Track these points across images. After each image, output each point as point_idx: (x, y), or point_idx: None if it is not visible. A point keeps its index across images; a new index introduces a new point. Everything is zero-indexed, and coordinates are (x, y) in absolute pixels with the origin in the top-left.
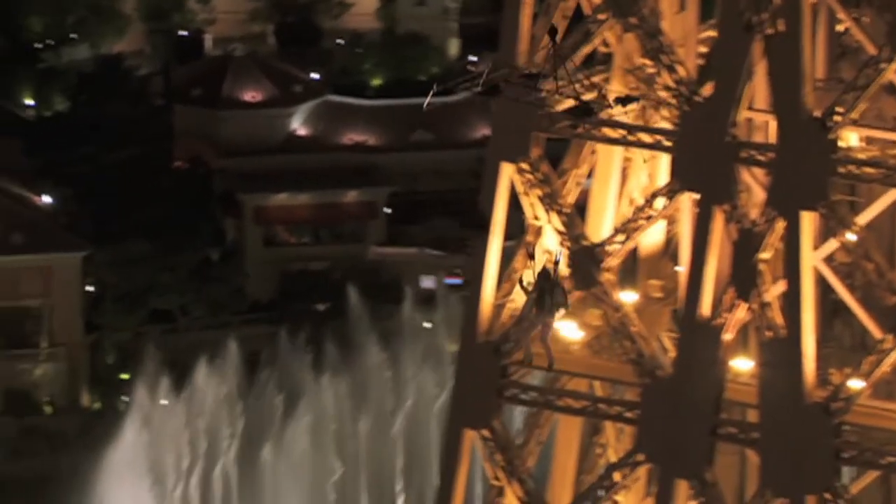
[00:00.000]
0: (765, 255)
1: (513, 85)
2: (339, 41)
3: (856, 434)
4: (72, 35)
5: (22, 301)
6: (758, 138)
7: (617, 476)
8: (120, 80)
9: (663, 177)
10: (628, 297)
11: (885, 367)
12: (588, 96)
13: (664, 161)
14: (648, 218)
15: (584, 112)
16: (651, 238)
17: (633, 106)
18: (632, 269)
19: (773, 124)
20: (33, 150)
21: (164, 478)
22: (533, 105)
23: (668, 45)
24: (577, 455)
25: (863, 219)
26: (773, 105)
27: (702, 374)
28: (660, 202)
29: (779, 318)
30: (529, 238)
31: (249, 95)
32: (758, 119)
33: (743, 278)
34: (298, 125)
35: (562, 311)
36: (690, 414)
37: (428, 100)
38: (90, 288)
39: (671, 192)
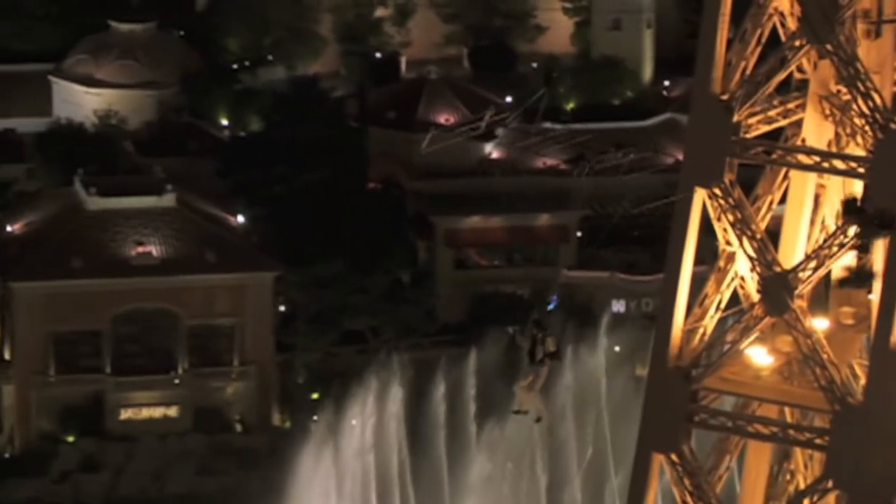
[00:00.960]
0: None
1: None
2: (533, 65)
3: None
4: (268, 56)
5: (215, 319)
6: None
7: (806, 503)
8: (315, 101)
9: None
10: (820, 324)
11: None
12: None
13: (857, 187)
14: (841, 245)
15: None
16: (843, 265)
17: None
18: (824, 296)
19: None
20: (227, 170)
21: (352, 499)
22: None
23: (864, 73)
24: (766, 481)
25: None
26: None
27: (893, 402)
28: (852, 229)
29: None
30: (721, 264)
31: (443, 118)
32: None
33: None
34: (492, 148)
35: (553, 363)
36: (881, 442)
37: (426, 142)
38: (282, 307)
39: None
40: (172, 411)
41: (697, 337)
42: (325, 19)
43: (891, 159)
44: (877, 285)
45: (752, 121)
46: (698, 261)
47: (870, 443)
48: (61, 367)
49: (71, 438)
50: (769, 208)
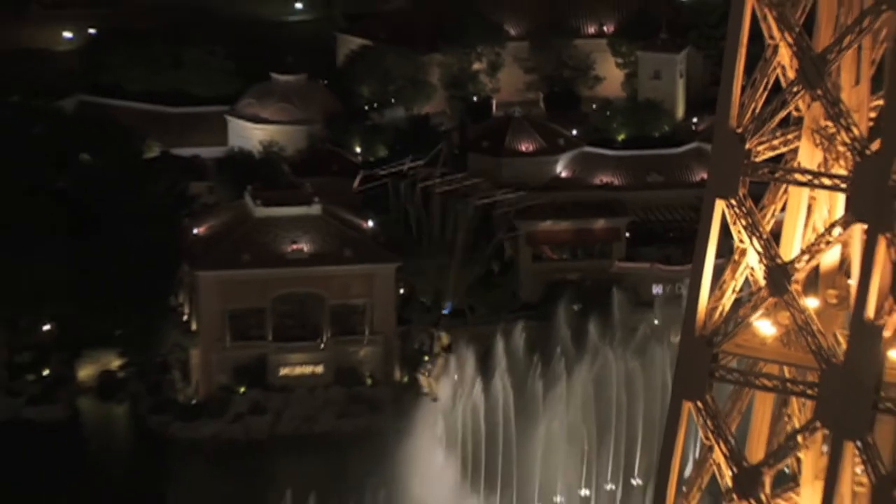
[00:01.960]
0: None
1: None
2: (593, 106)
3: None
4: (391, 100)
5: (351, 300)
6: None
7: (800, 438)
8: (427, 134)
9: (839, 211)
10: (811, 303)
11: None
12: (783, 150)
13: (840, 199)
14: (828, 243)
15: None
16: (829, 258)
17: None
18: (814, 281)
19: None
20: (362, 187)
21: (455, 435)
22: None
23: (846, 111)
24: (769, 422)
25: None
26: None
27: (867, 362)
28: (837, 230)
29: None
30: (736, 257)
31: (524, 146)
32: None
33: None
34: (561, 169)
35: (448, 356)
36: (857, 392)
37: (357, 182)
38: (401, 290)
39: (846, 223)
40: (319, 369)
41: (718, 312)
42: (435, 71)
43: (867, 178)
44: (855, 273)
45: (760, 148)
46: (718, 255)
47: (849, 393)
48: (235, 335)
49: (242, 389)
50: (773, 215)
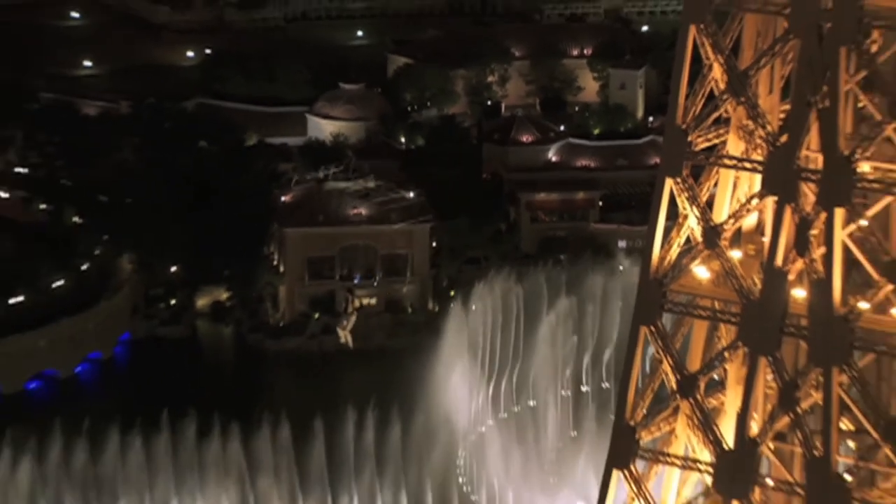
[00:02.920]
0: (814, 231)
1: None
2: (576, 108)
3: (862, 332)
4: (427, 103)
5: (397, 250)
6: (812, 166)
7: (726, 354)
8: (453, 129)
9: (757, 187)
10: (735, 254)
11: (881, 296)
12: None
13: (757, 179)
14: (748, 210)
15: None
16: (749, 221)
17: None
18: (738, 238)
19: (820, 158)
20: (405, 167)
21: (476, 349)
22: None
23: (763, 113)
24: (704, 342)
25: (870, 212)
26: (822, 147)
27: (776, 298)
28: (755, 201)
29: (820, 268)
30: (680, 220)
31: (525, 138)
32: (812, 155)
33: (801, 245)
34: (552, 155)
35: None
36: (769, 320)
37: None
38: (434, 244)
39: (762, 195)
40: (373, 301)
41: (667, 261)
42: (459, 83)
43: (777, 163)
44: (768, 232)
45: (699, 140)
46: (668, 219)
47: (763, 321)
48: (311, 275)
49: (316, 316)
50: (708, 190)
